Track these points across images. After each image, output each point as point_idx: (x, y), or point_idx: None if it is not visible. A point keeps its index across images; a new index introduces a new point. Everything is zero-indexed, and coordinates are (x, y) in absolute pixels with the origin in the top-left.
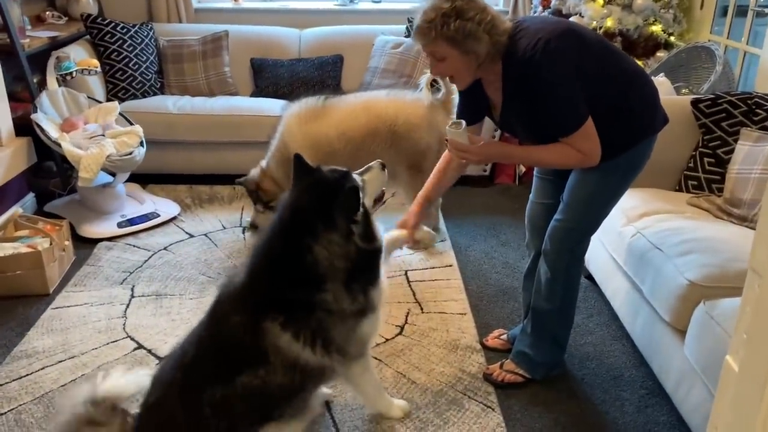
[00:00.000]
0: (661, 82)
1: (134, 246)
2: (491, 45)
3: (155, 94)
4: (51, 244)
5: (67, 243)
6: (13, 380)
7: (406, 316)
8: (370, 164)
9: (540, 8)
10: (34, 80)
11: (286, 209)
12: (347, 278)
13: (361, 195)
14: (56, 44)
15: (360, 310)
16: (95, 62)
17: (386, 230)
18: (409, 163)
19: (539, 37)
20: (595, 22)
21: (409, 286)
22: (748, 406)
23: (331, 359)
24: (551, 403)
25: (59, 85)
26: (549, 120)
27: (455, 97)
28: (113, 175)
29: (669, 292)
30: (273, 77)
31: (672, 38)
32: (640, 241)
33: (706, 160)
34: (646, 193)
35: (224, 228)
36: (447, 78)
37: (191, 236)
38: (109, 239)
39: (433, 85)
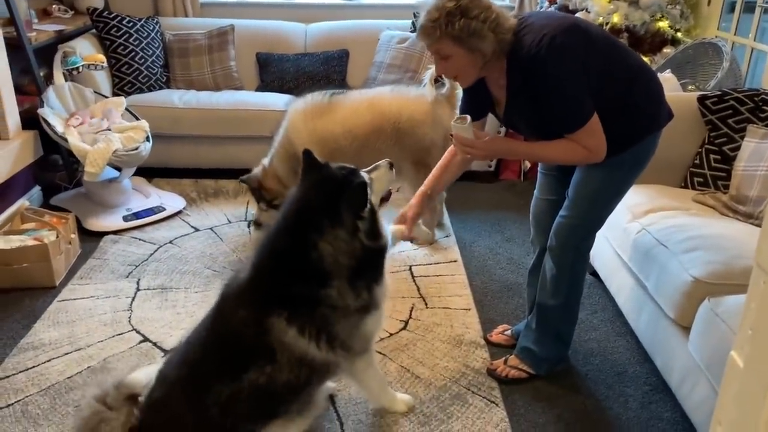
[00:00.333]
0: (667, 78)
1: (140, 239)
2: (496, 43)
3: (161, 88)
4: (57, 237)
5: (73, 236)
6: (20, 372)
7: (411, 311)
8: (378, 163)
9: (546, 4)
10: (41, 73)
11: (292, 204)
12: (352, 275)
13: (368, 191)
14: (62, 38)
15: (364, 306)
16: (102, 57)
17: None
18: (414, 158)
19: (544, 33)
20: (601, 18)
21: (414, 281)
22: (752, 402)
23: (335, 355)
24: (555, 398)
25: (66, 80)
26: (554, 116)
27: (459, 93)
28: (119, 170)
29: (674, 288)
30: (278, 72)
31: (679, 34)
32: (645, 237)
33: (712, 156)
34: (651, 189)
35: (229, 222)
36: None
37: (196, 230)
38: (115, 233)
39: (437, 80)
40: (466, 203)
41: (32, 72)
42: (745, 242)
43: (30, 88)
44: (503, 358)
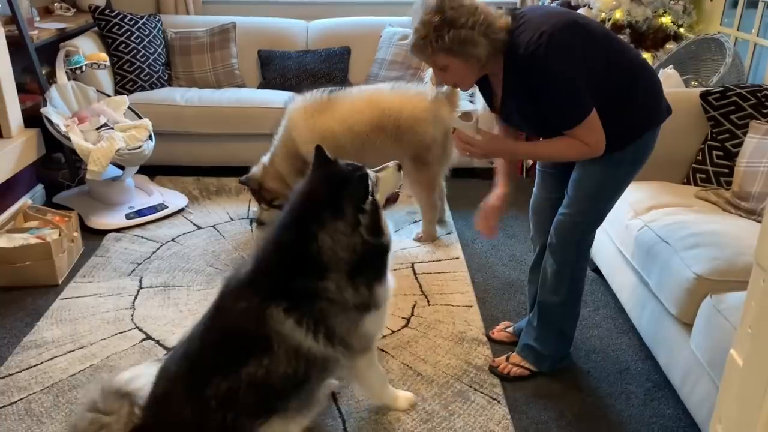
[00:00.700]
0: (670, 74)
1: (142, 237)
2: (490, 45)
3: (163, 86)
4: (60, 235)
5: (75, 234)
6: (23, 370)
7: (413, 309)
8: (387, 164)
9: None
10: (43, 72)
11: (297, 197)
12: (352, 270)
13: (370, 183)
14: (64, 36)
15: (363, 303)
16: (105, 56)
17: (393, 227)
18: (414, 156)
19: (542, 30)
20: (603, 14)
21: (416, 278)
22: (752, 400)
23: (334, 350)
24: (557, 395)
25: (69, 79)
26: (553, 112)
27: (460, 90)
28: (122, 168)
29: (676, 285)
30: (280, 69)
31: (681, 30)
32: (647, 234)
33: (714, 153)
34: (653, 186)
35: (231, 219)
36: (452, 84)
37: (199, 228)
38: (118, 231)
39: None
40: (468, 200)
41: (34, 70)
42: (747, 239)
43: (32, 86)
44: (505, 356)
